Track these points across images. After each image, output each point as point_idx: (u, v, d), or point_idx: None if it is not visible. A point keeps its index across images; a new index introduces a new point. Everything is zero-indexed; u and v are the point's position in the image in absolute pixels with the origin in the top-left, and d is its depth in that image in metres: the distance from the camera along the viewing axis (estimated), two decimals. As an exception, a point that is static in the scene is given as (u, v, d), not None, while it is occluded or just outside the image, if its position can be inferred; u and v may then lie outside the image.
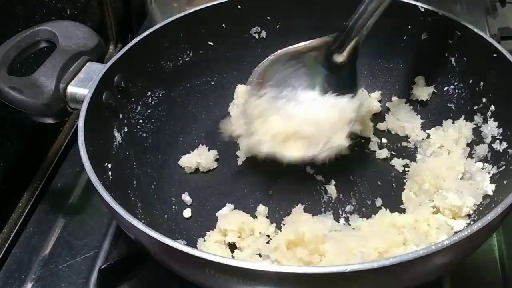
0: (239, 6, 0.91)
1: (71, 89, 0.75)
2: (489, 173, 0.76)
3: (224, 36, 0.92)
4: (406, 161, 0.85)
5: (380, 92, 0.94)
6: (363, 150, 0.87)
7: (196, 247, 0.74)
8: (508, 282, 0.73)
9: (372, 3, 0.73)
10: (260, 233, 0.75)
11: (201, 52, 0.92)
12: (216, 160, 0.87)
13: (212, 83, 0.94)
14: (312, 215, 0.76)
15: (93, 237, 0.82)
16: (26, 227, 0.85)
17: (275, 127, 0.78)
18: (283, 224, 0.76)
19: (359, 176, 0.83)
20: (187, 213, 0.80)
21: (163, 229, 0.77)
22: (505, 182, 0.71)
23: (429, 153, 0.83)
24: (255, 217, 0.78)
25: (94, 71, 0.76)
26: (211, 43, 0.92)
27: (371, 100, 0.92)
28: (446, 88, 0.87)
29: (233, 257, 0.72)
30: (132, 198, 0.76)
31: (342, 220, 0.78)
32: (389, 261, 0.52)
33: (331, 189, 0.81)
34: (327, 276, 0.53)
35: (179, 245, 0.55)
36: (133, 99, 0.84)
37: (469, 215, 0.74)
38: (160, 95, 0.88)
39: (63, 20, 0.85)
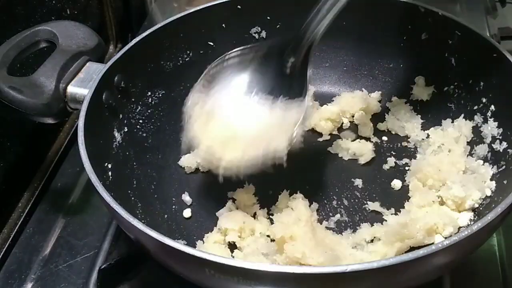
0: (239, 6, 0.91)
1: (71, 89, 0.75)
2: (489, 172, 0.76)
3: (224, 36, 0.92)
4: (406, 160, 0.85)
5: (380, 92, 0.94)
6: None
7: (196, 247, 0.74)
8: (508, 282, 0.73)
9: (326, 4, 0.70)
10: (260, 233, 0.74)
11: (201, 52, 0.91)
12: (216, 160, 0.87)
13: (212, 83, 0.94)
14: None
15: (93, 237, 0.82)
16: (26, 227, 0.85)
17: (216, 128, 0.74)
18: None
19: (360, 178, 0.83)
20: (187, 213, 0.80)
21: (163, 229, 0.77)
22: (505, 182, 0.71)
23: (429, 152, 0.83)
24: (255, 217, 0.78)
25: (94, 71, 0.76)
26: (211, 43, 0.92)
27: (371, 100, 0.92)
28: (446, 88, 0.87)
29: (233, 257, 0.72)
30: (132, 198, 0.76)
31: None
32: (389, 261, 0.52)
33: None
34: (327, 276, 0.53)
35: (179, 245, 0.55)
36: (133, 99, 0.84)
37: (474, 209, 0.74)
38: (160, 95, 0.88)
39: (63, 20, 0.85)
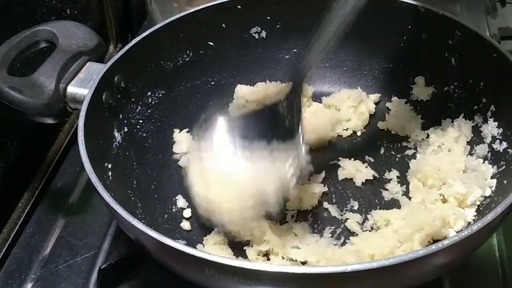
0: (239, 6, 0.91)
1: (71, 89, 0.75)
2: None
3: (224, 36, 0.92)
4: (407, 161, 0.85)
5: (379, 94, 0.94)
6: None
7: (196, 247, 0.74)
8: (508, 282, 0.73)
9: (317, 43, 0.69)
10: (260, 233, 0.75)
11: (201, 52, 0.92)
12: (216, 160, 0.87)
13: (212, 83, 0.94)
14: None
15: (93, 237, 0.82)
16: (26, 227, 0.85)
17: (209, 184, 0.71)
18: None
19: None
20: (187, 213, 0.80)
21: (163, 229, 0.77)
22: (505, 182, 0.71)
23: (429, 152, 0.83)
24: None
25: (94, 71, 0.76)
26: (211, 43, 0.92)
27: (368, 101, 0.92)
28: (446, 88, 0.87)
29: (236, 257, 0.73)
30: (132, 198, 0.76)
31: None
32: (389, 261, 0.52)
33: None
34: (327, 276, 0.53)
35: (180, 245, 0.55)
36: (133, 99, 0.84)
37: (477, 206, 0.74)
38: (160, 95, 0.88)
39: (63, 20, 0.85)
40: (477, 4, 1.18)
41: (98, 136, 0.74)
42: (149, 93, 0.86)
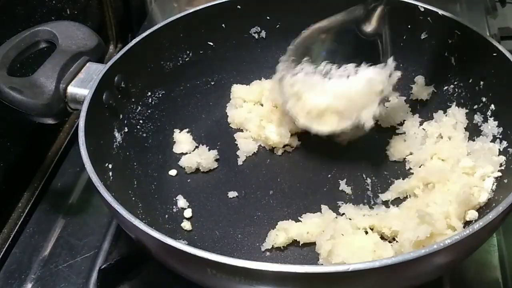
0: (239, 6, 0.91)
1: (71, 89, 0.75)
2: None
3: (224, 36, 0.92)
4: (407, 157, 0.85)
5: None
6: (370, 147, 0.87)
7: (197, 247, 0.74)
8: (508, 282, 0.73)
9: None
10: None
11: (201, 52, 0.92)
12: (216, 160, 0.87)
13: (212, 83, 0.95)
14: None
15: (93, 237, 0.82)
16: (26, 227, 0.85)
17: (309, 104, 0.79)
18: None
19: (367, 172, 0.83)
20: (188, 213, 0.80)
21: (164, 229, 0.77)
22: (505, 181, 0.71)
23: (430, 143, 0.83)
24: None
25: (94, 71, 0.76)
26: (211, 43, 0.92)
27: None
28: (446, 88, 0.87)
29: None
30: (133, 198, 0.76)
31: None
32: (391, 260, 0.52)
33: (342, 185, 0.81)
34: (329, 276, 0.53)
35: (181, 245, 0.55)
36: (133, 99, 0.84)
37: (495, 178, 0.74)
38: (160, 95, 0.88)
39: (63, 20, 0.85)
40: (477, 4, 1.19)
41: (99, 136, 0.74)
42: (149, 93, 0.86)
